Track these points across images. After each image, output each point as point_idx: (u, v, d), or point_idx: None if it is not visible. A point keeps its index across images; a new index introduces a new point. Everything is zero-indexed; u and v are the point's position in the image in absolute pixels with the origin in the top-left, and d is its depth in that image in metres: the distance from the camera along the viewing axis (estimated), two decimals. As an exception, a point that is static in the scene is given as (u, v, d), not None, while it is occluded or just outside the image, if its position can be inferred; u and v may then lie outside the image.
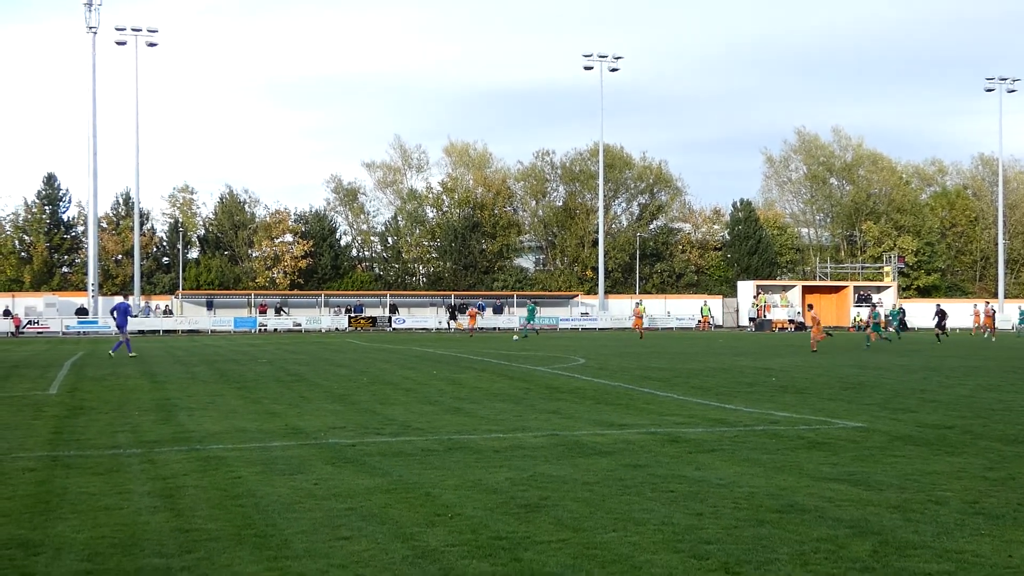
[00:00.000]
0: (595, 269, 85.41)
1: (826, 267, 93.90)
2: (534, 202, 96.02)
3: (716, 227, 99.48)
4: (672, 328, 77.19)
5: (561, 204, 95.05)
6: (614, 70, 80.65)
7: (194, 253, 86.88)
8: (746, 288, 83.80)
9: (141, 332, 65.94)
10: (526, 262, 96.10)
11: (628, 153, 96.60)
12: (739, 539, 8.34)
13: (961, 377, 25.76)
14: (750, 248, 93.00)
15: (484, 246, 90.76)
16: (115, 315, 36.38)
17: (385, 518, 9.18)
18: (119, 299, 39.10)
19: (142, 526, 8.90)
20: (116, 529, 8.77)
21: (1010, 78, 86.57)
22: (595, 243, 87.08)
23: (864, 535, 8.48)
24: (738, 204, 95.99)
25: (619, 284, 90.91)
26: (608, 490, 10.48)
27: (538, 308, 41.03)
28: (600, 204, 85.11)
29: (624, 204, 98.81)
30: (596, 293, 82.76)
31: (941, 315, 53.10)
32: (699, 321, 78.82)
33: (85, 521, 9.08)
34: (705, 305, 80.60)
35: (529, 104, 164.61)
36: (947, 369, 29.08)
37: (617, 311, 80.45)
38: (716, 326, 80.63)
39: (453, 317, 71.87)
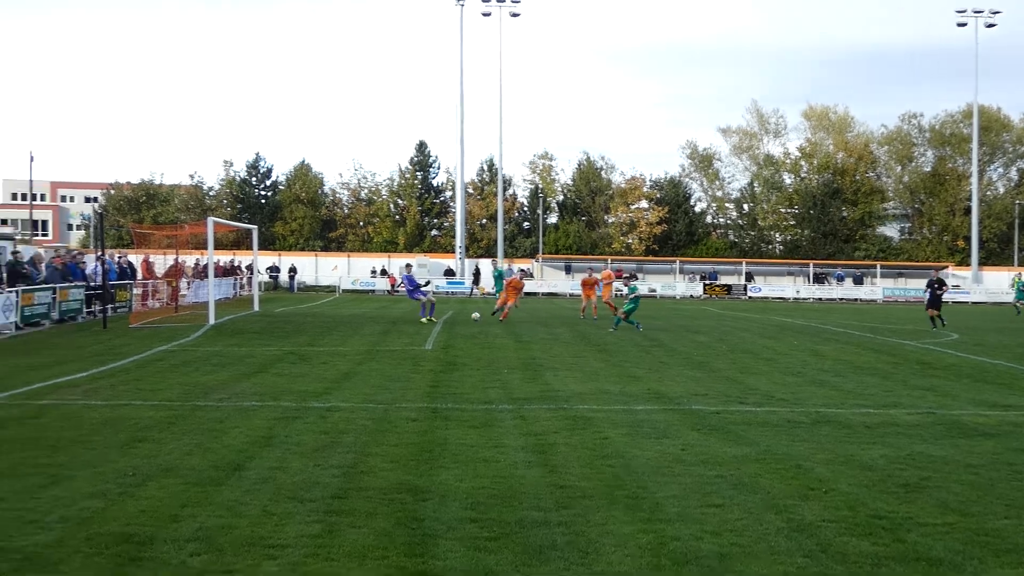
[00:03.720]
0: (967, 239, 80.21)
1: None
2: (899, 167, 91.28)
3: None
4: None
5: (929, 169, 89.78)
6: (991, 26, 74.79)
7: (553, 218, 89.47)
8: None
9: (503, 293, 68.65)
10: (890, 230, 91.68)
11: (1006, 114, 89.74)
12: None
13: None
14: None
15: (844, 213, 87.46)
16: (407, 284, 34.60)
17: (756, 488, 9.04)
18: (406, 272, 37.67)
19: (518, 479, 9.25)
20: (495, 480, 9.17)
21: None
22: (967, 211, 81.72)
23: None
24: None
25: (994, 255, 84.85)
26: (996, 474, 9.80)
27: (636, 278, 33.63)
28: (974, 169, 79.61)
29: (1001, 169, 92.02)
30: (968, 264, 77.74)
31: None
32: None
33: (466, 471, 9.55)
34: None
35: (894, 64, 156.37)
36: None
37: (993, 284, 75.15)
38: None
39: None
